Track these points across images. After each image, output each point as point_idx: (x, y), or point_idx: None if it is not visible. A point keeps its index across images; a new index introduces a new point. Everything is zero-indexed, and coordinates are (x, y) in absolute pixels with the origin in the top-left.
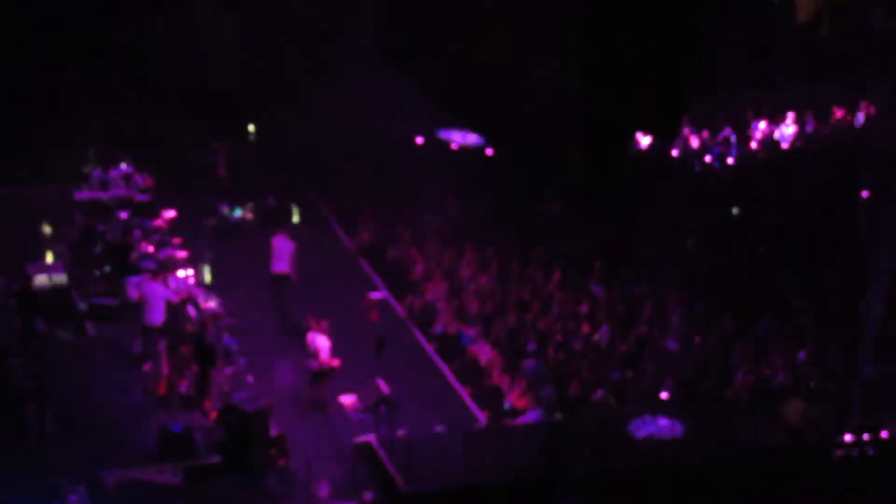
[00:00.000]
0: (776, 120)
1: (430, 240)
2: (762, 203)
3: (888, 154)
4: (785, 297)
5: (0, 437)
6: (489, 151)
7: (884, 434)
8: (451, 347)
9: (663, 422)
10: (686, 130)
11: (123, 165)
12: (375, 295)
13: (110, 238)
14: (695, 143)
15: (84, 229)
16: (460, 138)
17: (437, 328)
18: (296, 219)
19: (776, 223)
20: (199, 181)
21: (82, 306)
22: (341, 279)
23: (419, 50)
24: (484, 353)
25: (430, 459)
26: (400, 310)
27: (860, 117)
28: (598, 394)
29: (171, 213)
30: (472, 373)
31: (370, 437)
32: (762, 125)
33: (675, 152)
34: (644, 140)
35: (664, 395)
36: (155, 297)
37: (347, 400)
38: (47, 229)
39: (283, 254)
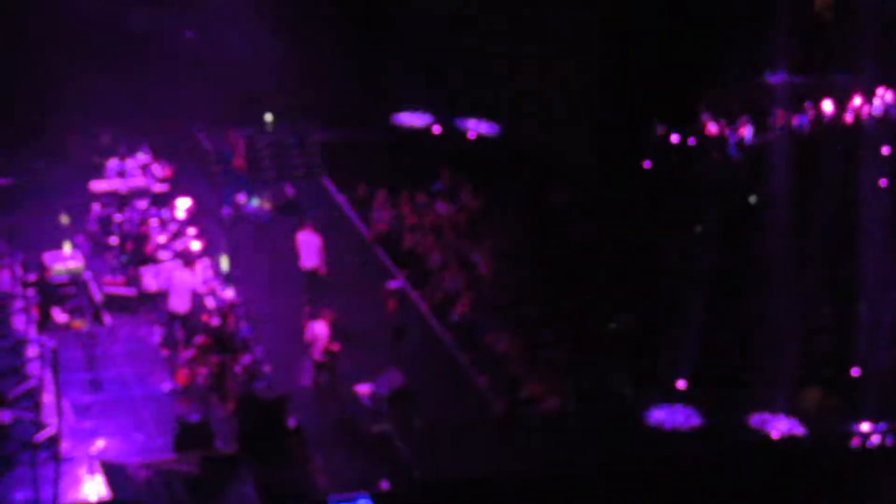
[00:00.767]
0: (794, 108)
1: (446, 229)
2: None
3: None
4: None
5: (18, 427)
6: (504, 141)
7: None
8: (469, 336)
9: (680, 410)
10: (703, 118)
11: (141, 154)
12: (393, 284)
13: (127, 228)
14: (712, 130)
15: (101, 219)
16: (477, 127)
17: (455, 317)
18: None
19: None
20: (216, 170)
21: (99, 296)
22: (357, 268)
23: (435, 38)
24: (502, 342)
25: (447, 449)
26: (417, 299)
27: (878, 104)
28: (615, 382)
29: (187, 203)
30: (489, 362)
31: (386, 427)
32: (779, 113)
33: (692, 141)
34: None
35: (681, 384)
36: (183, 285)
37: (364, 389)
38: (64, 219)
39: (310, 248)
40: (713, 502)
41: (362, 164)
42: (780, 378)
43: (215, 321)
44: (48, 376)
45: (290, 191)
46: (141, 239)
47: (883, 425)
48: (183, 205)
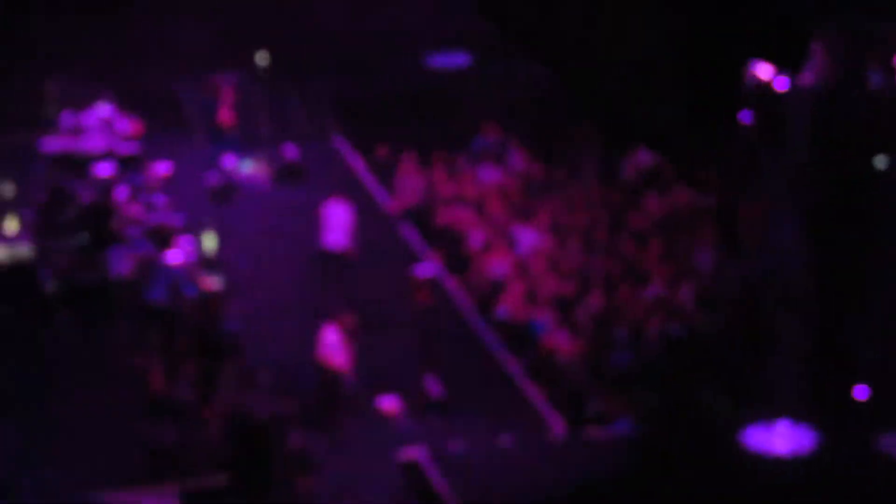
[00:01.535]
0: None
1: (490, 201)
2: None
3: None
4: None
5: None
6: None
7: None
8: (520, 337)
9: (788, 430)
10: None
11: (102, 107)
12: (423, 271)
13: (87, 200)
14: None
15: (53, 189)
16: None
17: (502, 313)
18: None
19: None
20: (197, 127)
21: (52, 287)
22: (379, 250)
23: None
24: (562, 344)
25: (493, 478)
26: (454, 290)
27: None
28: (705, 395)
29: (163, 168)
30: (546, 369)
31: (417, 451)
32: None
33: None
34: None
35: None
36: (161, 271)
37: (389, 404)
38: (6, 189)
39: (338, 223)
40: None
41: (384, 118)
42: None
43: (199, 317)
44: None
45: (291, 153)
46: (105, 213)
47: None
48: (157, 170)
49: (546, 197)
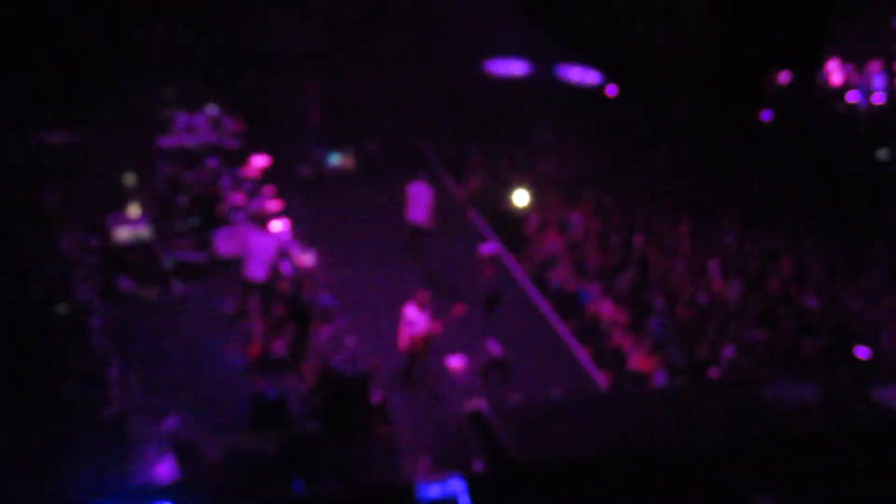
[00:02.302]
0: None
1: (545, 188)
2: None
3: None
4: None
5: (82, 404)
6: (610, 91)
7: None
8: (570, 305)
9: (800, 387)
10: (830, 65)
11: (210, 108)
12: (487, 248)
13: (197, 188)
14: (838, 78)
15: (169, 179)
16: (579, 76)
17: (554, 284)
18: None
19: None
20: (292, 125)
21: (168, 263)
22: (450, 230)
23: None
24: (605, 311)
25: (546, 428)
26: (513, 265)
27: None
28: (729, 355)
29: (262, 161)
30: (591, 333)
31: (480, 404)
32: None
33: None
34: (783, 76)
35: (802, 358)
36: (259, 250)
37: (456, 363)
38: (130, 179)
39: (421, 201)
40: (829, 480)
41: (454, 117)
42: None
43: (293, 289)
44: (114, 349)
45: (374, 146)
46: (212, 200)
47: None
48: (258, 162)
49: (593, 185)
